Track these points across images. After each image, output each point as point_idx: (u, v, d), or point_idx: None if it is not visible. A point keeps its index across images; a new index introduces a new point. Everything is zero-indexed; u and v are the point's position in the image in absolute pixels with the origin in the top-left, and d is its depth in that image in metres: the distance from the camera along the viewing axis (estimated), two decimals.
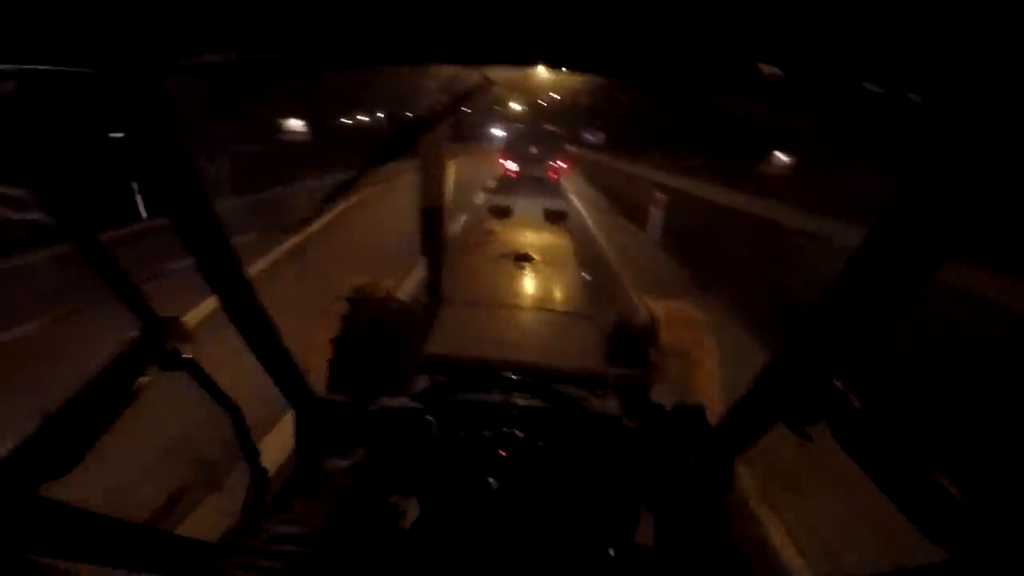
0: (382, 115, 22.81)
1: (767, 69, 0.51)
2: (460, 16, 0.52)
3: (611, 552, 1.08)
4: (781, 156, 11.64)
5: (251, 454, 1.27)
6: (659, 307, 2.39)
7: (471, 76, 0.91)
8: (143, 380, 0.83)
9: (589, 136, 23.87)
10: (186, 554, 0.87)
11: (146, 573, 0.79)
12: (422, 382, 1.38)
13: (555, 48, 0.58)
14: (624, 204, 12.03)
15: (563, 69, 0.70)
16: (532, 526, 1.11)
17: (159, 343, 0.88)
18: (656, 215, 8.86)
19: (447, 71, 1.05)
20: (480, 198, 11.87)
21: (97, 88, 0.65)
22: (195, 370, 1.01)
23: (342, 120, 22.07)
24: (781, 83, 0.52)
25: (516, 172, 14.69)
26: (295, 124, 18.35)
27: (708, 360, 2.11)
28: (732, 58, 0.50)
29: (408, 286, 4.49)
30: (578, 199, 13.10)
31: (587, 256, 5.27)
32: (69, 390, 0.71)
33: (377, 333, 2.04)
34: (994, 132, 0.52)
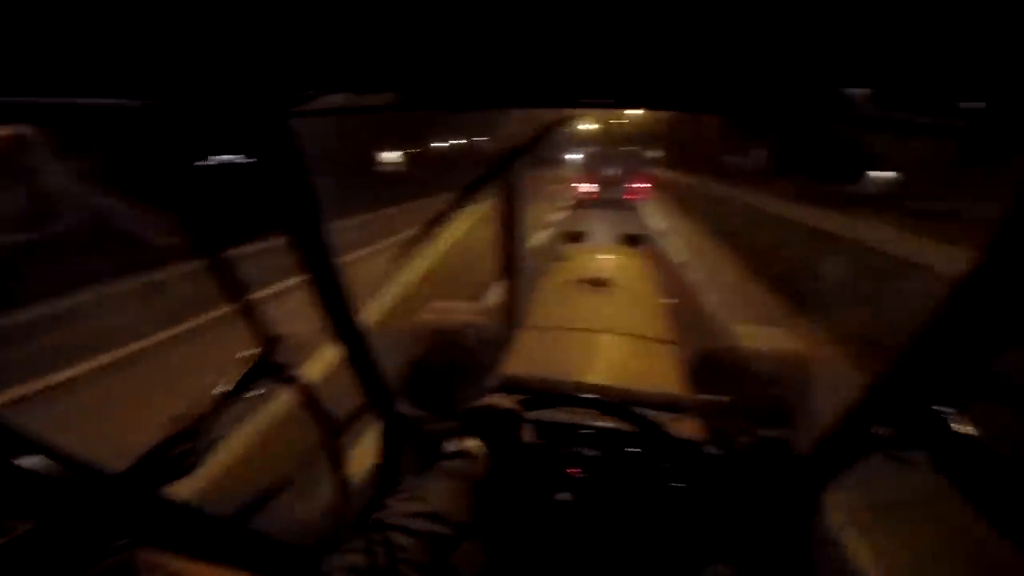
0: (465, 140, 23.89)
1: (854, 93, 0.49)
2: (552, 64, 0.56)
3: None
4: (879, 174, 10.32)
5: (338, 465, 1.35)
6: (749, 332, 2.26)
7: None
8: (258, 392, 0.93)
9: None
10: (286, 556, 0.94)
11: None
12: (501, 401, 1.41)
13: (638, 90, 0.60)
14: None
15: (645, 110, 0.73)
16: (605, 548, 1.09)
17: (273, 359, 0.98)
18: None
19: None
20: (555, 221, 11.85)
21: (231, 121, 0.76)
22: (297, 383, 1.12)
23: (432, 144, 23.30)
24: (869, 106, 0.50)
25: (595, 194, 14.69)
26: (390, 156, 19.71)
27: (802, 387, 1.96)
28: (817, 85, 0.49)
29: (486, 309, 4.56)
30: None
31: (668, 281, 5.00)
32: (197, 401, 0.82)
33: (454, 355, 2.11)
34: None
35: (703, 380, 2.31)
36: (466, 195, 1.01)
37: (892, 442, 0.87)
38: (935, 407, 0.81)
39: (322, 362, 2.52)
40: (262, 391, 0.93)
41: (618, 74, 0.57)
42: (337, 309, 1.12)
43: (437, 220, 1.06)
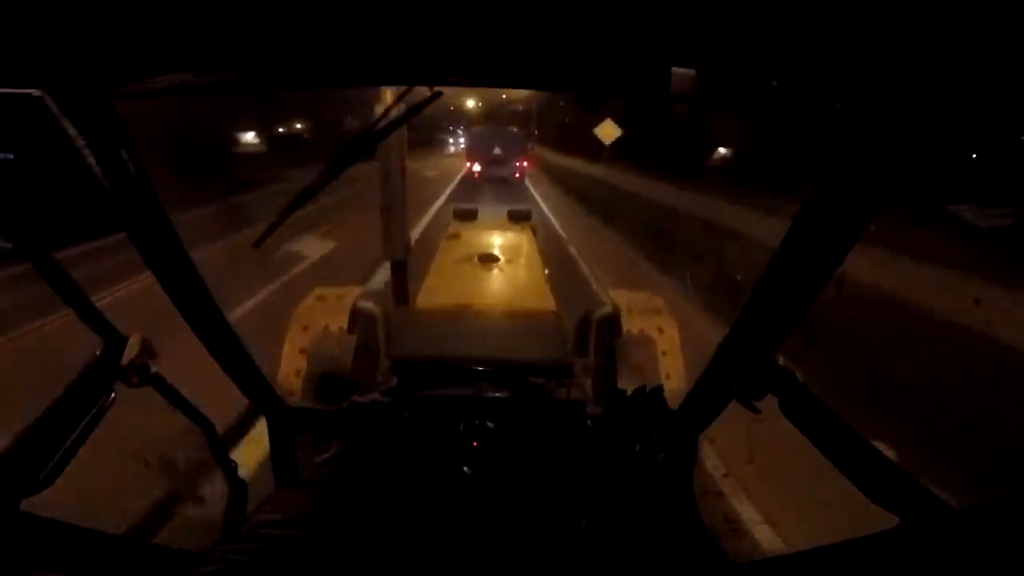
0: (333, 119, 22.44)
1: (680, 73, 0.57)
2: (397, 39, 0.55)
3: (582, 531, 1.13)
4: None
5: (227, 466, 1.26)
6: (622, 298, 2.47)
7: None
8: (109, 397, 0.83)
9: None
10: (169, 564, 0.87)
11: None
12: (391, 383, 1.40)
13: (479, 65, 0.62)
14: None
15: (487, 86, 0.75)
16: (505, 512, 1.15)
17: (122, 360, 0.87)
18: None
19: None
20: (443, 200, 11.81)
21: (45, 108, 0.65)
22: (162, 385, 1.01)
23: (297, 126, 21.54)
24: (694, 87, 0.58)
25: (479, 173, 14.83)
26: (249, 137, 17.88)
27: (671, 346, 2.20)
28: (646, 64, 0.56)
29: (372, 292, 4.46)
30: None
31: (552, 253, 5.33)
32: (36, 410, 0.71)
33: (343, 340, 2.04)
34: (897, 129, 0.59)
35: (583, 344, 2.50)
36: (330, 175, 0.96)
37: (746, 392, 0.99)
38: (775, 358, 0.94)
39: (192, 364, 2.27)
40: (106, 396, 0.83)
41: (465, 51, 0.59)
42: (196, 307, 1.01)
43: (298, 202, 0.99)
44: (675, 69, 0.57)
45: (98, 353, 0.85)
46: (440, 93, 0.82)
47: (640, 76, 0.57)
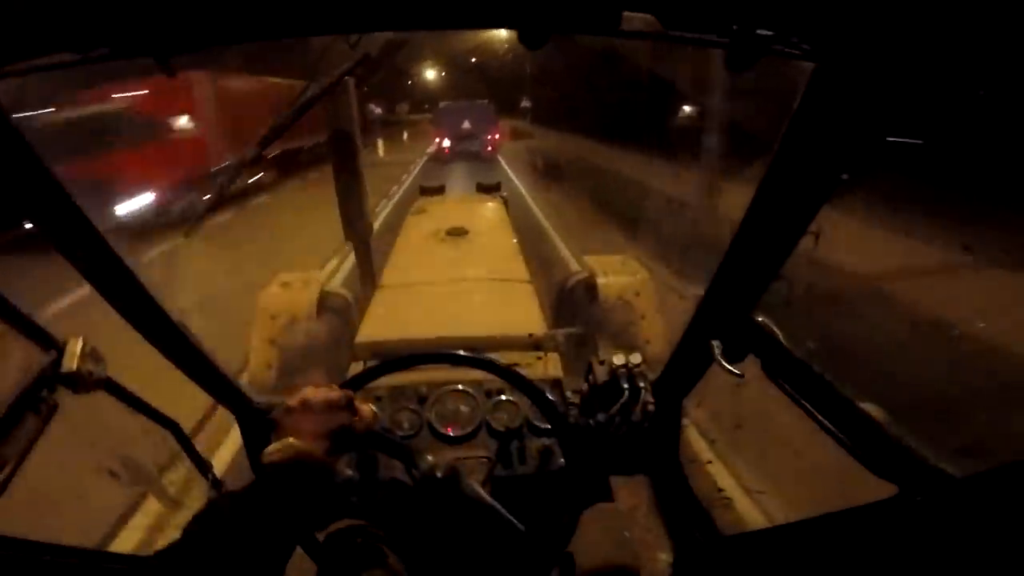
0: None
1: (637, 16, 0.52)
2: None
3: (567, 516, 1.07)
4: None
5: (201, 466, 1.20)
6: (596, 263, 2.44)
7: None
8: (51, 406, 0.76)
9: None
10: (133, 571, 0.82)
11: None
12: (356, 370, 1.34)
13: (407, 5, 0.55)
14: None
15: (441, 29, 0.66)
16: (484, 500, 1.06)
17: (64, 366, 0.79)
18: None
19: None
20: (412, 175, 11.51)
21: None
22: (116, 389, 0.93)
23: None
24: (654, 33, 0.53)
25: (448, 149, 14.47)
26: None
27: (648, 308, 2.19)
28: (601, 4, 0.50)
29: (338, 274, 4.35)
30: None
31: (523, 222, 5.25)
32: None
33: (309, 327, 1.96)
34: (865, 77, 0.55)
35: (559, 314, 2.47)
36: (271, 137, 0.87)
37: (727, 354, 0.96)
38: (757, 318, 0.91)
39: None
40: (47, 407, 0.75)
41: None
42: (137, 308, 0.92)
43: (230, 179, 0.90)
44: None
45: (34, 360, 0.77)
46: (368, 54, 0.73)
47: (586, 9, 0.51)
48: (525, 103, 23.61)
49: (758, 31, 0.53)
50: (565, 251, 5.86)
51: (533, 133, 19.66)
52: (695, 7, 0.54)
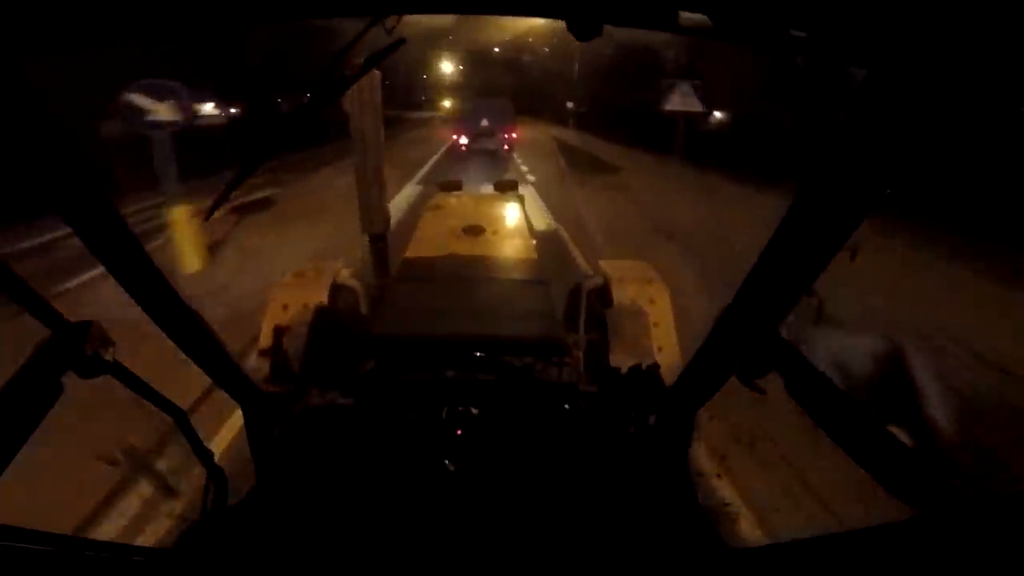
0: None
1: (692, 17, 0.49)
2: None
3: (578, 519, 1.06)
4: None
5: (204, 455, 1.19)
6: (612, 268, 2.41)
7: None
8: (57, 391, 0.74)
9: None
10: (145, 562, 0.81)
11: None
12: (370, 366, 1.32)
13: None
14: None
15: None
16: (493, 501, 1.07)
17: (75, 349, 0.78)
18: None
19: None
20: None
21: None
22: (123, 374, 0.92)
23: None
24: (708, 30, 0.50)
25: (466, 146, 14.57)
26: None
27: (662, 316, 2.15)
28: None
29: (354, 266, 4.28)
30: None
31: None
32: None
33: (323, 319, 1.94)
34: (923, 85, 0.52)
35: (572, 317, 2.43)
36: (286, 131, 0.85)
37: (747, 369, 0.92)
38: (781, 334, 0.87)
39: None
40: (53, 390, 0.74)
41: None
42: (150, 292, 0.91)
43: (247, 171, 0.88)
44: None
45: (43, 342, 0.75)
46: (404, 40, 0.70)
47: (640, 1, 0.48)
48: (569, 104, 22.09)
49: (809, 34, 0.50)
50: (579, 254, 5.82)
51: (592, 150, 16.07)
52: (749, 9, 0.51)
